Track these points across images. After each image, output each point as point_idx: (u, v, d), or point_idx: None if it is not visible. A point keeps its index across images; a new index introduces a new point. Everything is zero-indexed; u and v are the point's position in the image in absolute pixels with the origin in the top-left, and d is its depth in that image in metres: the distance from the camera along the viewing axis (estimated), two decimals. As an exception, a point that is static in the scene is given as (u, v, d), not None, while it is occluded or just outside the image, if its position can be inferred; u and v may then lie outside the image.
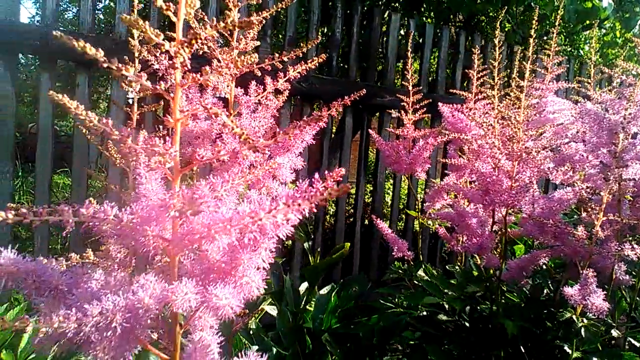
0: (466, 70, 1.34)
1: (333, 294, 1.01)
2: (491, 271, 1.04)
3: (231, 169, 0.54)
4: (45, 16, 1.96)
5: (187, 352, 0.35)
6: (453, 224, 1.04)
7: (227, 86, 0.56)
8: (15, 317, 0.90)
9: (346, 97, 0.59)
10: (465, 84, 2.95)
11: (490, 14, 3.53)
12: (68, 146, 2.26)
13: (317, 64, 0.58)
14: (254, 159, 0.51)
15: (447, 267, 1.34)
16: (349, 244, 1.01)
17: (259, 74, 0.57)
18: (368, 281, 1.16)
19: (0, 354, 0.80)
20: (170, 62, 0.34)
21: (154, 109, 0.79)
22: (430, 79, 3.00)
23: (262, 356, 0.39)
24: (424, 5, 3.60)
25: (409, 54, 1.27)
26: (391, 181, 3.37)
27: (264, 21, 0.61)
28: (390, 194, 2.79)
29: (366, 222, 3.04)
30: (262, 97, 0.43)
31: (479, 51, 2.74)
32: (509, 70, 2.85)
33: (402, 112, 1.21)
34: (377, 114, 2.64)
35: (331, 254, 0.96)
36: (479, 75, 1.27)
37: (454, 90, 1.35)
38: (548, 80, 1.12)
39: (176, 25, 0.34)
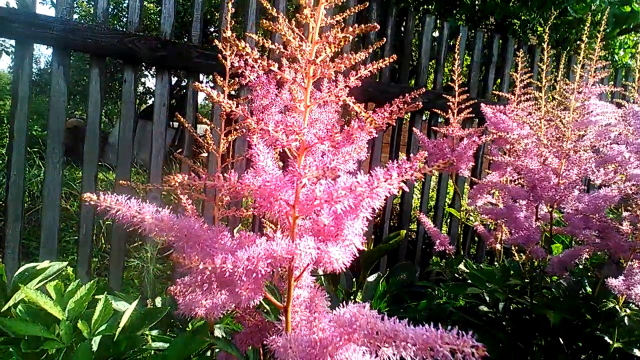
0: (510, 73, 1.37)
1: (381, 281, 1.07)
2: (535, 263, 1.07)
3: (305, 157, 0.59)
4: (97, 15, 2.07)
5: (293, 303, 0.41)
6: (498, 219, 1.08)
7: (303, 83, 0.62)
8: (89, 290, 0.98)
9: (397, 99, 0.64)
10: (495, 87, 2.96)
11: (523, 17, 3.52)
12: (102, 140, 2.37)
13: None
14: (325, 148, 0.57)
15: (482, 265, 1.37)
16: (404, 231, 1.06)
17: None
18: (416, 269, 1.21)
19: (77, 323, 0.88)
20: (286, 65, 0.40)
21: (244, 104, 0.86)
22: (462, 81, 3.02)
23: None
24: (457, 8, 3.62)
25: (455, 56, 1.31)
26: (422, 180, 3.39)
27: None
28: (419, 193, 2.82)
29: (392, 223, 3.08)
30: (334, 94, 0.48)
31: (512, 54, 2.75)
32: (554, 74, 2.85)
33: (447, 112, 1.25)
34: (409, 114, 2.68)
35: (385, 240, 1.01)
36: (522, 78, 1.30)
37: (498, 93, 1.38)
38: (591, 84, 1.14)
39: (312, 34, 0.39)
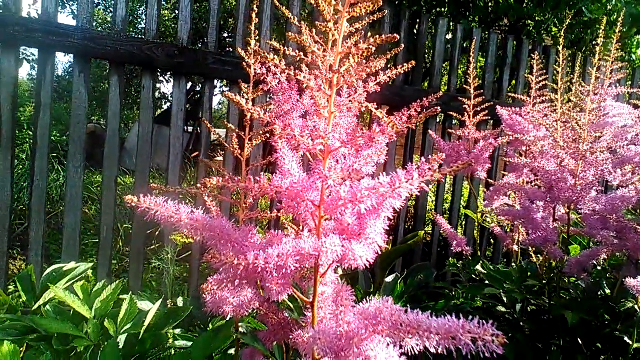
0: (525, 75, 1.38)
1: (399, 282, 1.08)
2: (553, 264, 1.08)
3: (327, 159, 0.62)
4: (116, 23, 2.13)
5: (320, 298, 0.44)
6: (515, 220, 1.09)
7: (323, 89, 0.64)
8: (114, 290, 1.01)
9: (415, 103, 0.66)
10: (509, 88, 2.95)
11: (537, 18, 3.50)
12: (119, 145, 2.43)
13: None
14: (346, 152, 0.59)
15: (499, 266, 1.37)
16: (422, 232, 1.08)
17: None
18: (433, 271, 1.22)
19: (104, 322, 0.92)
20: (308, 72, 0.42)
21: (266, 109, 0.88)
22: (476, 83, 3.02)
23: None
24: (470, 11, 3.62)
25: (471, 58, 1.32)
26: (437, 182, 3.39)
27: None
28: (434, 196, 2.82)
29: (407, 225, 3.08)
30: (357, 101, 0.50)
31: (527, 56, 2.73)
32: (570, 75, 2.83)
33: (462, 114, 1.26)
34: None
35: (403, 242, 1.02)
36: (538, 80, 1.30)
37: (514, 95, 1.39)
38: (607, 86, 1.14)
39: (337, 43, 0.42)
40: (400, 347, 0.37)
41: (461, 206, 2.68)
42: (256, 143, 0.70)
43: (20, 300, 1.08)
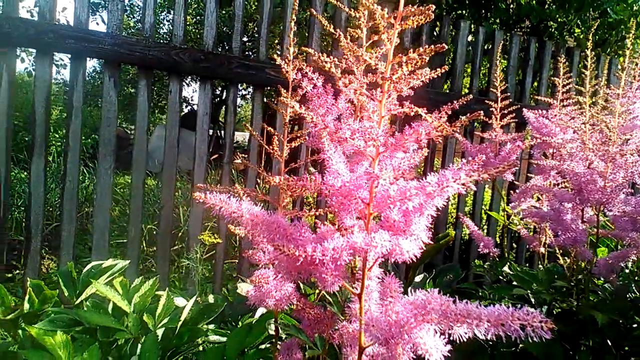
0: (549, 77, 1.38)
1: (427, 282, 1.10)
2: (582, 265, 1.08)
3: (361, 161, 0.64)
4: (145, 29, 2.19)
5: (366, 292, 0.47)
6: (543, 222, 1.10)
7: (357, 93, 0.67)
8: (152, 287, 1.06)
9: (445, 106, 0.68)
10: (531, 90, 2.93)
11: (560, 19, 3.47)
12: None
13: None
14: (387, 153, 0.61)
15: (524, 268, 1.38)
16: (454, 232, 1.09)
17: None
18: (461, 271, 1.24)
19: (143, 317, 0.96)
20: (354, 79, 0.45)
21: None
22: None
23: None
24: (491, 13, 3.61)
25: (497, 61, 1.33)
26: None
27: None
28: (453, 198, 2.82)
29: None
30: (407, 106, 0.52)
31: (550, 57, 2.71)
32: (599, 79, 2.81)
33: (486, 116, 1.27)
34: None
35: (435, 240, 1.04)
36: (564, 83, 1.30)
37: (540, 97, 1.39)
38: (635, 88, 1.14)
39: (389, 52, 0.44)
40: (449, 334, 0.40)
41: (483, 209, 2.67)
42: (295, 145, 0.73)
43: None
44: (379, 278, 0.53)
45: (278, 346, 0.75)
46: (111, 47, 2.10)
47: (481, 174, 0.41)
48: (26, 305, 0.98)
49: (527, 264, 2.88)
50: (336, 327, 0.62)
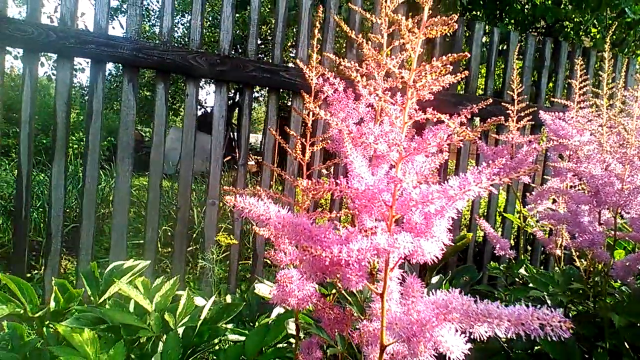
0: (564, 78, 1.38)
1: (444, 283, 1.11)
2: (599, 267, 1.08)
3: (380, 164, 0.66)
4: (162, 34, 2.23)
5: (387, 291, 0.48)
6: (559, 224, 1.10)
7: (381, 99, 0.68)
8: (172, 286, 1.08)
9: (464, 110, 0.69)
10: (546, 91, 2.90)
11: (576, 19, 3.43)
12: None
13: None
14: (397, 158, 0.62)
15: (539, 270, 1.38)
16: (470, 233, 1.10)
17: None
18: (478, 273, 1.24)
19: (164, 316, 0.98)
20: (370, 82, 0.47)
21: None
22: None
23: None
24: (506, 13, 3.58)
25: (512, 63, 1.34)
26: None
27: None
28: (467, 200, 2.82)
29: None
30: (431, 113, 0.53)
31: (566, 58, 2.69)
32: (616, 82, 2.79)
33: (501, 118, 1.27)
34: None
35: (454, 241, 1.05)
36: (581, 85, 1.30)
37: (557, 99, 1.39)
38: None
39: (412, 60, 0.46)
40: (470, 333, 0.41)
41: (497, 211, 2.66)
42: (318, 148, 0.75)
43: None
44: (398, 279, 0.54)
45: (299, 345, 0.77)
46: (130, 51, 2.15)
47: (503, 178, 0.43)
48: (52, 304, 1.01)
49: (542, 267, 2.86)
50: (356, 327, 0.63)
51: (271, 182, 3.60)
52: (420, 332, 0.43)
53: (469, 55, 0.46)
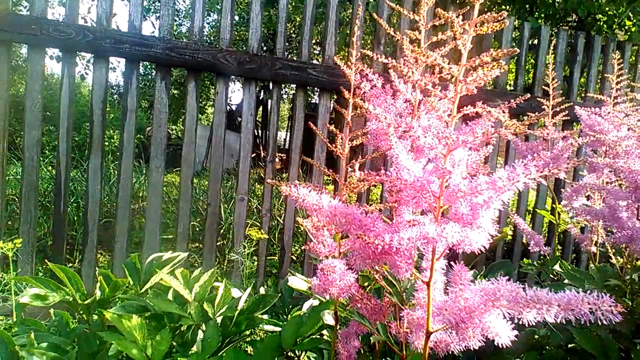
0: (605, 75, 1.35)
1: (478, 277, 1.11)
2: (638, 263, 1.06)
3: (419, 158, 0.67)
4: (193, 33, 2.28)
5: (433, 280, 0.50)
6: (595, 220, 1.09)
7: (413, 92, 0.70)
8: (210, 277, 1.12)
9: (501, 105, 0.70)
10: (580, 87, 2.84)
11: (610, 12, 3.34)
12: (179, 147, 2.61)
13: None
14: (436, 153, 0.63)
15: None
16: (507, 228, 1.10)
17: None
18: (513, 268, 1.24)
19: (203, 305, 1.02)
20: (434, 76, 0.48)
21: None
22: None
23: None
24: (536, 7, 3.51)
25: (550, 59, 1.32)
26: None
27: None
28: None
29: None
30: (481, 107, 0.55)
31: (599, 52, 2.62)
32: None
33: (535, 113, 1.26)
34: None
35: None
36: (618, 80, 1.28)
37: (595, 95, 1.37)
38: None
39: (462, 56, 0.48)
40: (518, 319, 0.42)
41: (527, 208, 2.62)
42: (357, 143, 0.77)
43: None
44: (442, 269, 0.56)
45: (337, 334, 0.79)
46: (163, 51, 2.21)
47: (544, 171, 0.44)
48: (97, 293, 1.07)
49: (573, 264, 2.81)
50: (394, 317, 0.65)
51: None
52: (468, 318, 0.45)
53: (518, 51, 0.47)
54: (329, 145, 0.76)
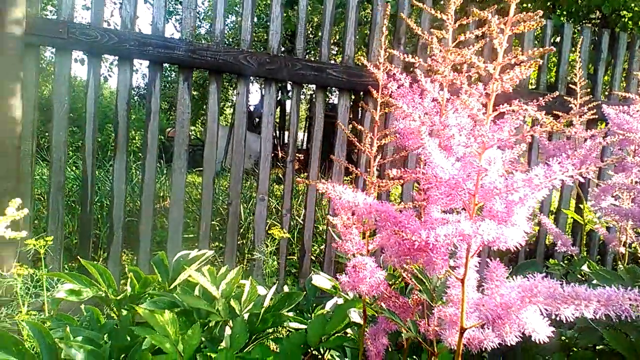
0: (631, 72, 1.33)
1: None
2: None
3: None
4: (215, 35, 2.32)
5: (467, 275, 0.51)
6: (623, 220, 1.07)
7: (440, 91, 0.71)
8: (236, 275, 1.14)
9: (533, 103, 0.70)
10: (604, 85, 2.79)
11: (636, 8, 3.26)
12: (199, 148, 2.64)
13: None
14: (462, 152, 0.64)
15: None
16: (537, 227, 1.10)
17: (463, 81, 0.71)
18: (541, 268, 1.23)
19: (230, 302, 1.04)
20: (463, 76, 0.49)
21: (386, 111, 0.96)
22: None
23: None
24: (558, 4, 3.46)
25: (577, 59, 1.31)
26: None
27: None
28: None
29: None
30: (518, 105, 0.55)
31: (625, 50, 2.57)
32: None
33: (561, 112, 1.25)
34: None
35: None
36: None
37: (625, 94, 1.35)
38: None
39: (498, 55, 0.48)
40: (555, 315, 0.43)
41: (550, 208, 2.59)
42: (386, 142, 0.78)
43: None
44: (476, 266, 0.56)
45: (365, 331, 0.80)
46: (185, 52, 2.24)
47: (588, 168, 0.44)
48: (128, 289, 1.10)
49: (598, 265, 2.76)
50: (419, 315, 0.66)
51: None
52: (505, 314, 0.46)
53: (554, 50, 0.47)
54: (358, 144, 0.77)
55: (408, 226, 0.51)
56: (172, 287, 1.13)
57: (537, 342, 0.43)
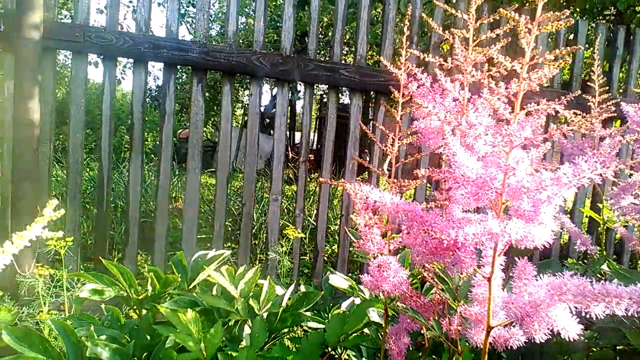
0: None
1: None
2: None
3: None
4: (228, 37, 2.33)
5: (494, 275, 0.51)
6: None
7: (462, 91, 0.71)
8: (255, 274, 1.15)
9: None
10: (619, 82, 2.75)
11: (653, 3, 3.22)
12: (209, 149, 2.66)
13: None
14: (489, 151, 0.64)
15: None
16: (558, 226, 1.09)
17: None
18: (560, 267, 1.22)
19: (249, 301, 1.05)
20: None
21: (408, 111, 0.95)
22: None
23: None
24: (572, 1, 3.43)
25: (596, 55, 1.30)
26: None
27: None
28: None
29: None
30: (544, 103, 0.55)
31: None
32: None
33: (578, 110, 1.24)
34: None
35: None
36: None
37: (631, 89, 1.34)
38: None
39: (525, 54, 0.49)
40: (585, 313, 0.43)
41: (565, 208, 2.56)
42: (407, 142, 0.78)
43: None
44: (501, 265, 0.57)
45: (387, 331, 0.80)
46: (199, 54, 2.26)
47: (618, 166, 0.44)
48: (149, 288, 1.11)
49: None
50: (440, 314, 0.66)
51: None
52: (534, 312, 0.46)
53: (582, 48, 0.48)
54: (379, 144, 0.77)
55: (435, 225, 0.52)
56: (191, 286, 1.14)
57: (567, 339, 0.44)
